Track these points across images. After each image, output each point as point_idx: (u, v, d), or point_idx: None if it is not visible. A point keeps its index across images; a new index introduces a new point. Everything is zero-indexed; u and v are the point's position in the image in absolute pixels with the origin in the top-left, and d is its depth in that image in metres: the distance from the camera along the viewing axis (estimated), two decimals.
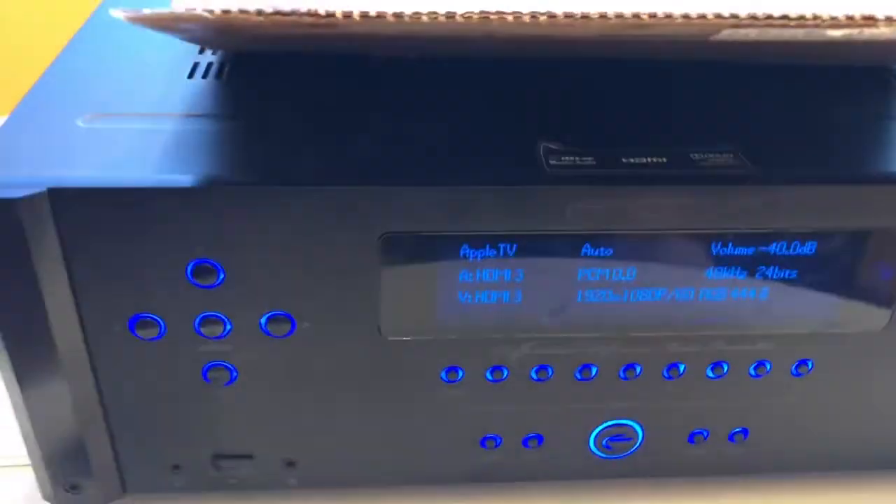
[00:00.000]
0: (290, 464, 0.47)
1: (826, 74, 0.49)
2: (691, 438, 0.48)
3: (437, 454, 0.47)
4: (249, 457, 0.46)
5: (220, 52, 0.50)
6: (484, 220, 0.39)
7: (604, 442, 0.48)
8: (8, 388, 0.42)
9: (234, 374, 0.43)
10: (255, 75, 0.48)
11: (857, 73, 0.51)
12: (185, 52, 0.50)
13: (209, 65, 0.49)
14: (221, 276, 0.40)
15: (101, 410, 0.44)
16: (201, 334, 0.41)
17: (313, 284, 0.40)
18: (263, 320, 0.41)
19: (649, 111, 0.46)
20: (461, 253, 0.40)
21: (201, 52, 0.50)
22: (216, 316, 0.41)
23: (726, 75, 0.48)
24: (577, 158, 0.40)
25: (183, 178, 0.38)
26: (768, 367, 0.45)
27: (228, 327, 0.41)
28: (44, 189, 0.37)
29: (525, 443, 0.47)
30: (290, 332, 0.41)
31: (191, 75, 0.48)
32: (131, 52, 0.50)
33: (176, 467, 0.46)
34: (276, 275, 0.40)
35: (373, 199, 0.38)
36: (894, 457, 0.50)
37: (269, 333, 0.41)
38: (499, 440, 0.47)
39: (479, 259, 0.41)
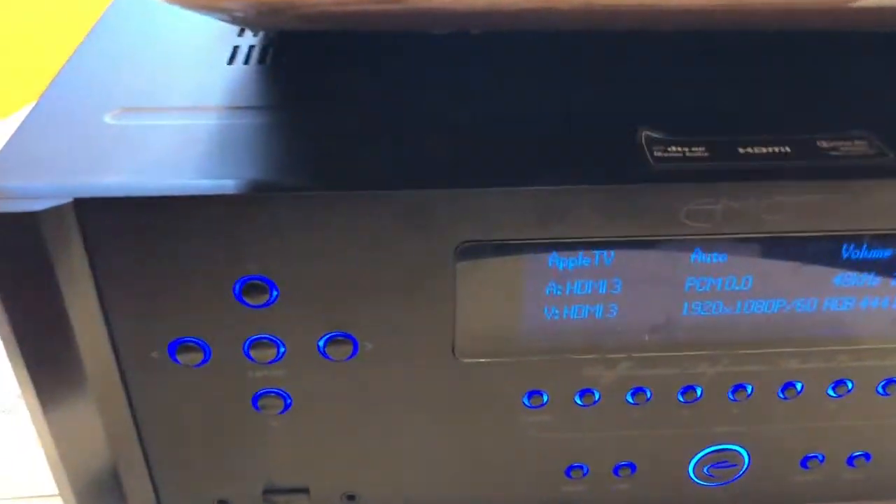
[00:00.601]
0: (351, 497, 0.42)
1: None
2: (804, 463, 0.42)
3: (516, 485, 0.42)
4: (305, 491, 0.41)
5: (262, 34, 0.45)
6: (577, 225, 0.33)
7: (705, 469, 0.42)
8: (34, 421, 0.37)
9: (289, 401, 0.38)
10: (304, 59, 0.43)
11: None
12: (222, 35, 0.45)
13: (251, 48, 0.44)
14: (275, 294, 0.34)
15: (138, 443, 0.39)
16: (251, 359, 0.36)
17: (378, 301, 0.35)
18: (322, 342, 0.36)
19: (764, 90, 0.40)
20: (550, 263, 0.35)
21: (241, 34, 0.45)
22: (268, 338, 0.35)
23: (851, 48, 0.42)
24: (686, 149, 0.34)
25: (228, 184, 0.33)
26: None
27: (282, 351, 0.36)
28: (69, 199, 0.32)
29: (616, 472, 0.42)
30: (352, 354, 0.36)
31: (231, 61, 0.42)
32: (163, 36, 0.45)
33: (222, 502, 0.41)
34: (337, 291, 0.34)
35: (449, 204, 0.33)
36: None
37: (327, 357, 0.36)
38: (586, 469, 0.41)
39: (570, 269, 0.35)
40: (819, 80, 0.41)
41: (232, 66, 0.42)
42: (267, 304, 0.34)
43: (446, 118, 0.37)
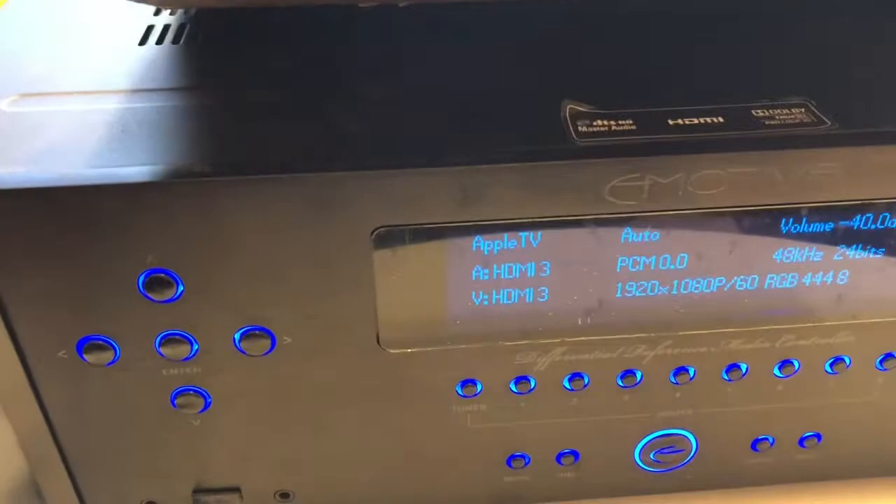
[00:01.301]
0: (285, 495, 0.40)
1: None
2: (754, 446, 0.41)
3: (457, 478, 0.40)
4: (236, 490, 0.39)
5: (179, 13, 0.43)
6: (498, 206, 0.31)
7: (651, 455, 0.40)
8: None
9: (208, 399, 0.36)
10: (220, 38, 0.40)
11: None
12: (136, 15, 0.42)
13: (166, 28, 0.41)
14: (180, 288, 0.32)
15: (54, 446, 0.37)
16: (164, 356, 0.34)
17: (293, 293, 0.33)
18: (237, 337, 0.34)
19: (698, 59, 0.38)
20: (474, 246, 0.33)
21: (156, 13, 0.43)
22: (179, 335, 0.34)
23: (788, 13, 0.40)
24: (612, 123, 0.32)
25: (129, 172, 0.31)
26: (848, 362, 0.38)
27: (195, 347, 0.34)
28: None
29: (559, 460, 0.40)
30: (270, 349, 0.34)
31: (143, 41, 0.40)
32: (73, 17, 0.42)
33: None
34: (247, 284, 0.32)
35: (361, 187, 0.31)
36: None
37: (244, 352, 0.34)
38: (528, 459, 0.40)
39: (495, 252, 0.33)
40: (756, 47, 0.39)
41: (144, 46, 0.40)
42: (173, 299, 0.32)
43: (362, 96, 0.35)
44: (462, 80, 0.36)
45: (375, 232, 0.31)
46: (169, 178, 0.30)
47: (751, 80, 0.36)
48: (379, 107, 0.34)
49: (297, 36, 0.40)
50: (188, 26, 0.41)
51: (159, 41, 0.40)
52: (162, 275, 0.32)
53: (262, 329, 0.34)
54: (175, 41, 0.40)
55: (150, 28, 0.41)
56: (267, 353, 0.34)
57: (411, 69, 0.37)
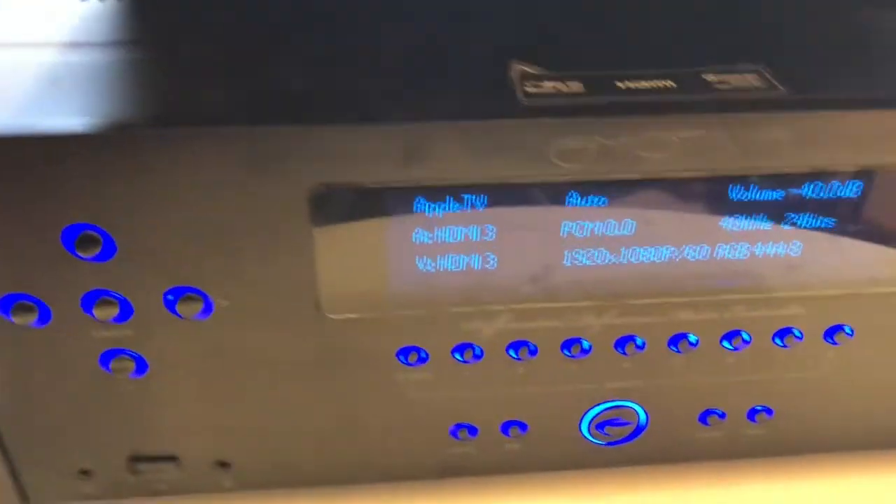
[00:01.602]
0: (223, 464, 0.39)
1: None
2: (704, 419, 0.40)
3: (400, 449, 0.39)
4: (174, 458, 0.38)
5: None
6: (443, 166, 0.30)
7: (598, 427, 0.40)
8: None
9: (142, 363, 0.35)
10: None
11: None
12: None
13: None
14: (110, 245, 0.31)
15: None
16: (94, 318, 0.33)
17: (228, 254, 0.32)
18: (170, 299, 0.33)
19: (652, 23, 0.37)
20: (416, 208, 0.32)
21: None
22: (109, 294, 0.32)
23: None
24: (560, 84, 0.32)
25: (56, 123, 0.29)
26: (798, 335, 0.37)
27: (127, 308, 0.33)
28: None
29: (505, 431, 0.39)
30: (206, 312, 0.33)
31: None
32: None
33: (85, 473, 0.38)
34: (181, 243, 0.31)
35: (299, 143, 0.29)
36: None
37: (178, 315, 0.33)
38: (473, 429, 0.39)
39: (439, 215, 0.32)
40: (712, 13, 0.38)
41: (85, 2, 0.38)
42: (103, 257, 0.31)
43: (304, 52, 0.34)
44: (410, 37, 0.35)
45: (312, 191, 0.30)
46: (98, 131, 0.29)
47: (705, 46, 0.35)
48: (320, 63, 0.33)
49: None
50: None
51: None
52: (91, 231, 0.31)
53: (197, 291, 0.33)
54: None
55: None
56: (202, 317, 0.33)
57: (356, 26, 0.36)
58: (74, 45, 0.35)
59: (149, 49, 0.34)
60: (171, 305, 0.33)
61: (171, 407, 0.37)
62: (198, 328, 0.34)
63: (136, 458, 0.38)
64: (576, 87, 0.31)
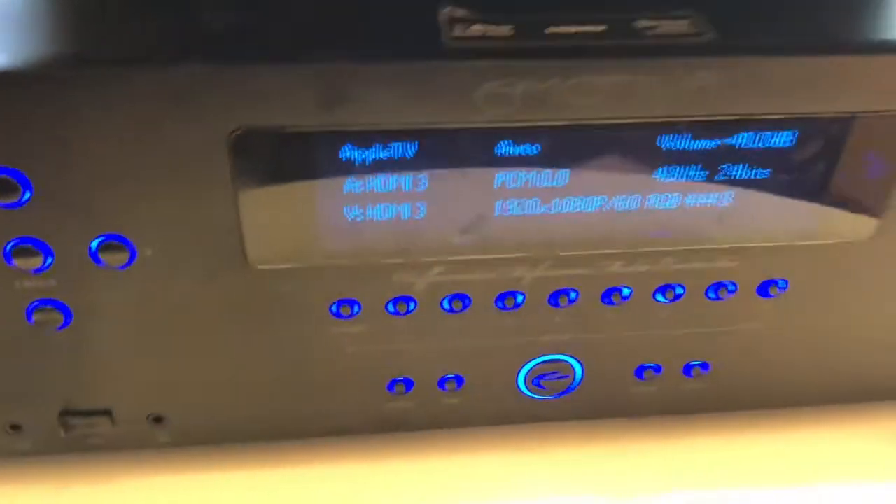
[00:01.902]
0: (158, 419, 0.39)
1: None
2: (640, 373, 0.40)
3: (337, 403, 0.39)
4: (107, 413, 0.38)
5: None
6: (367, 110, 0.30)
7: (535, 381, 0.40)
8: None
9: (68, 315, 0.34)
10: None
11: None
12: None
13: None
14: (27, 190, 0.30)
15: None
16: (15, 266, 0.32)
17: (149, 200, 0.31)
18: (93, 247, 0.32)
19: None
20: (343, 155, 0.31)
21: None
22: (30, 242, 0.32)
23: None
24: (489, 28, 0.31)
25: None
26: (731, 288, 0.37)
27: (49, 258, 0.32)
28: None
29: (442, 385, 0.39)
30: (130, 261, 0.33)
31: None
32: None
33: (15, 428, 0.38)
34: (102, 188, 0.31)
35: (215, 83, 0.29)
36: (877, 388, 0.42)
37: (102, 264, 0.32)
38: (410, 383, 0.39)
39: (367, 162, 0.32)
40: None
41: None
42: (21, 203, 0.31)
43: None
44: None
45: (233, 134, 0.30)
46: (11, 69, 0.28)
47: None
48: (244, 4, 0.32)
49: None
50: None
51: None
52: (7, 176, 0.30)
53: (120, 239, 0.32)
54: None
55: None
56: (127, 266, 0.33)
57: None
58: None
59: None
60: (94, 254, 0.32)
61: (102, 360, 0.36)
62: (122, 277, 0.33)
63: (68, 413, 0.38)
64: (505, 31, 0.31)
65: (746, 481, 0.41)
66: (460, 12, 0.32)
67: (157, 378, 0.37)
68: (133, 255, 0.32)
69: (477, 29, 0.31)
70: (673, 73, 0.30)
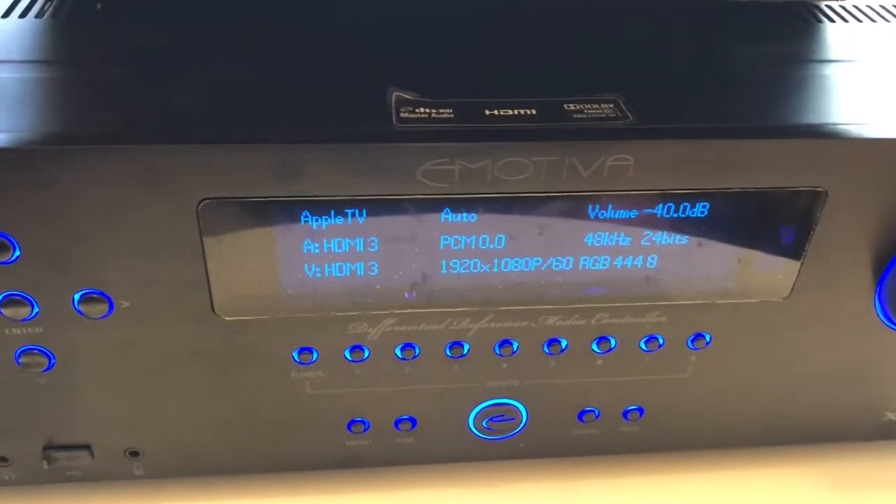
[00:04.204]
0: (134, 453, 0.42)
1: (736, 10, 0.44)
2: (581, 417, 0.44)
3: (300, 441, 0.42)
4: (86, 447, 0.41)
5: None
6: (320, 183, 0.34)
7: (484, 423, 0.43)
8: None
9: (52, 359, 0.37)
10: (85, 15, 0.42)
11: (773, 8, 0.46)
12: None
13: (32, 2, 0.42)
14: (16, 250, 0.34)
15: None
16: (5, 316, 0.36)
17: (127, 260, 0.35)
18: (75, 300, 0.36)
19: (523, 55, 0.40)
20: (302, 220, 0.35)
21: None
22: (19, 296, 0.35)
23: (611, 13, 0.42)
24: (433, 111, 0.35)
25: None
26: (661, 340, 0.41)
27: (35, 309, 0.36)
28: None
29: (397, 426, 0.43)
30: (109, 312, 0.36)
31: (6, 14, 0.41)
32: None
33: (2, 459, 0.41)
34: (84, 249, 0.34)
35: (187, 160, 0.32)
36: (799, 432, 0.46)
37: (83, 314, 0.36)
38: (367, 424, 0.42)
39: (323, 227, 0.35)
40: (577, 44, 0.41)
41: (6, 19, 0.41)
42: (10, 261, 0.34)
43: (203, 75, 0.37)
44: (294, 62, 0.38)
45: (201, 203, 0.33)
46: (3, 146, 0.32)
47: (572, 76, 0.38)
48: (216, 85, 0.36)
49: (158, 16, 0.42)
50: (54, 2, 0.43)
51: (22, 15, 0.41)
52: None
53: (100, 293, 0.36)
54: (39, 16, 0.41)
55: (15, 2, 0.42)
56: (106, 316, 0.36)
57: (259, 51, 0.39)
58: None
59: (59, 69, 0.37)
60: (76, 305, 0.36)
61: (82, 399, 0.39)
62: (101, 326, 0.37)
63: (51, 447, 0.41)
64: (446, 113, 0.35)
65: None
66: (407, 95, 0.35)
67: (133, 416, 0.40)
68: (111, 307, 0.36)
69: (421, 111, 0.35)
70: (590, 155, 0.34)
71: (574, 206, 0.36)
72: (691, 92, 0.38)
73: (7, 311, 0.36)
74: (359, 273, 0.37)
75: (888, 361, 0.42)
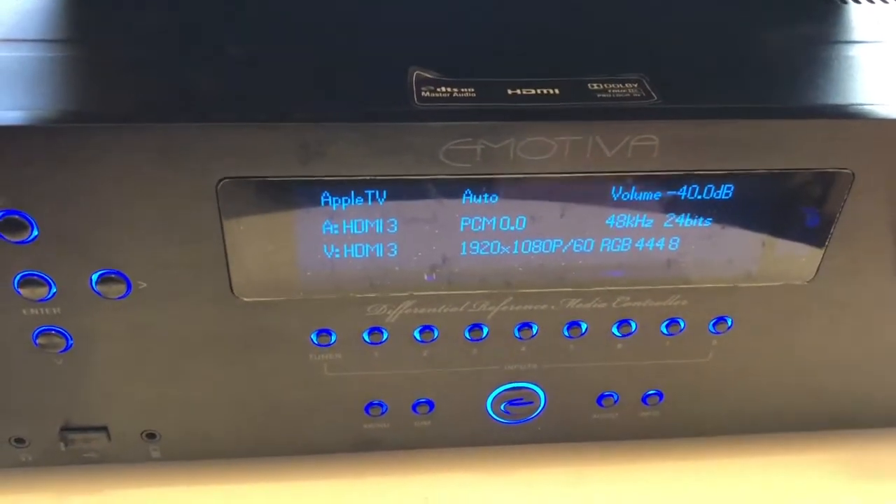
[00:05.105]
0: (151, 435, 0.42)
1: None
2: (600, 401, 0.43)
3: (318, 424, 0.42)
4: (103, 429, 0.41)
5: None
6: (341, 163, 0.33)
7: (502, 407, 0.43)
8: None
9: (70, 340, 0.37)
10: None
11: None
12: None
13: None
14: (34, 230, 0.34)
15: None
16: (22, 296, 0.35)
17: (145, 239, 0.34)
18: (93, 280, 0.35)
19: (545, 35, 0.40)
20: (322, 201, 0.35)
21: None
22: (36, 275, 0.35)
23: None
24: (454, 90, 0.34)
25: None
26: (682, 324, 0.40)
27: (53, 289, 0.35)
28: None
29: (414, 409, 0.42)
30: (126, 293, 0.36)
31: None
32: None
33: (20, 441, 0.41)
34: (101, 229, 0.34)
35: (206, 139, 0.32)
36: (821, 418, 0.45)
37: (101, 295, 0.36)
38: (385, 407, 0.42)
39: (343, 208, 0.35)
40: (600, 22, 0.41)
41: None
42: (28, 240, 0.34)
43: (222, 55, 0.36)
44: (324, 42, 0.38)
45: (220, 183, 0.33)
46: (22, 125, 0.32)
47: (596, 56, 0.38)
48: (235, 65, 0.35)
49: None
50: None
51: None
52: (16, 216, 0.33)
53: (118, 273, 0.35)
54: None
55: None
56: (123, 297, 0.36)
57: (278, 30, 0.39)
58: (6, 41, 0.37)
59: (76, 48, 0.37)
60: (93, 286, 0.35)
61: (99, 380, 0.39)
62: (119, 307, 0.36)
63: (68, 428, 0.41)
64: (468, 92, 0.34)
65: (701, 502, 0.44)
66: (428, 74, 0.35)
67: (150, 398, 0.40)
68: (129, 288, 0.36)
69: (443, 90, 0.34)
70: (615, 134, 0.33)
71: (597, 187, 0.35)
72: (716, 72, 0.37)
73: (24, 292, 0.35)
74: (378, 254, 0.37)
75: None
